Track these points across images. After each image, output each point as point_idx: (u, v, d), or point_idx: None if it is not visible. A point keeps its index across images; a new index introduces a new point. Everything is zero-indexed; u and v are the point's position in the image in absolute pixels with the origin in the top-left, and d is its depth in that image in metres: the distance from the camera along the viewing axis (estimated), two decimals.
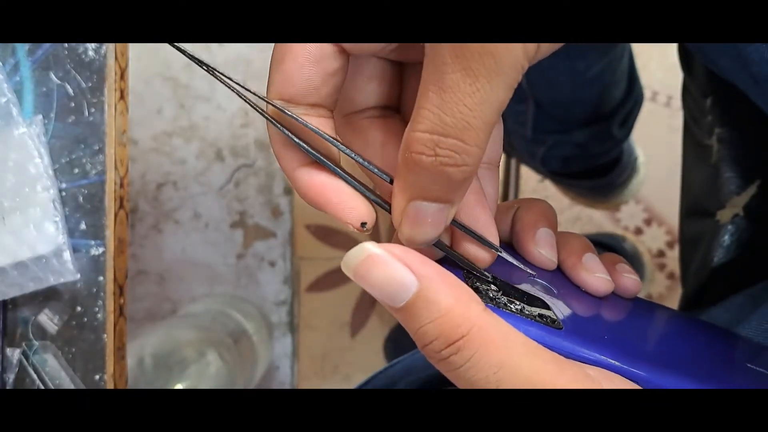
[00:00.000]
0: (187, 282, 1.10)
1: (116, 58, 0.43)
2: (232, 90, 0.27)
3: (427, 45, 0.23)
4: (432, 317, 0.22)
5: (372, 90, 0.28)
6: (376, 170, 0.26)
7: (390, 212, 0.26)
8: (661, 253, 1.06)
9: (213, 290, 1.10)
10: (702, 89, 0.50)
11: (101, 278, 0.44)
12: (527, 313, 0.26)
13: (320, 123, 0.26)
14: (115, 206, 0.44)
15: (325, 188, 0.26)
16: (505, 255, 0.28)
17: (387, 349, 1.07)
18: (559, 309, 0.27)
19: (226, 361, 0.87)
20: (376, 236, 1.05)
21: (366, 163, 0.26)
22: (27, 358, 0.44)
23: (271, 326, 1.09)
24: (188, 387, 0.81)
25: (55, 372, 0.44)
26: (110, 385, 0.44)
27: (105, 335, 0.44)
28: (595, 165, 0.87)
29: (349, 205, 0.26)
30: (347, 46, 0.25)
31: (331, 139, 0.26)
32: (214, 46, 1.09)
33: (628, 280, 0.31)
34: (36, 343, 0.44)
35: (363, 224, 0.26)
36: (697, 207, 0.51)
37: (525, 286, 0.28)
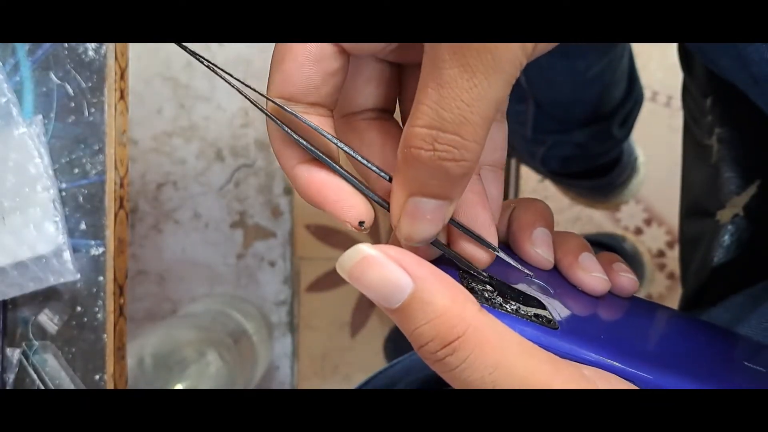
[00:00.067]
0: (187, 282, 1.10)
1: (116, 58, 0.43)
2: (234, 87, 0.27)
3: (427, 44, 0.23)
4: (427, 318, 0.22)
5: (370, 92, 0.28)
6: (375, 168, 0.26)
7: (389, 210, 0.26)
8: (661, 253, 1.06)
9: (213, 290, 1.10)
10: (702, 89, 0.50)
11: (101, 278, 0.44)
12: (523, 313, 0.26)
13: (320, 122, 0.26)
14: (115, 206, 0.44)
15: (324, 186, 0.26)
16: (503, 255, 0.28)
17: (387, 349, 1.07)
18: (556, 309, 0.27)
19: (226, 361, 0.87)
20: (376, 237, 1.05)
21: (365, 161, 0.26)
22: (27, 358, 0.44)
23: (271, 326, 1.09)
24: (188, 387, 0.81)
25: (55, 372, 0.44)
26: (110, 385, 0.44)
27: (105, 335, 0.44)
28: (595, 165, 0.87)
29: (348, 204, 0.26)
30: (347, 46, 0.25)
31: (331, 137, 0.26)
32: (214, 46, 1.09)
33: (625, 279, 0.31)
34: (36, 343, 0.44)
35: (361, 223, 0.26)
36: (697, 207, 0.51)
37: (521, 286, 0.28)
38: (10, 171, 0.43)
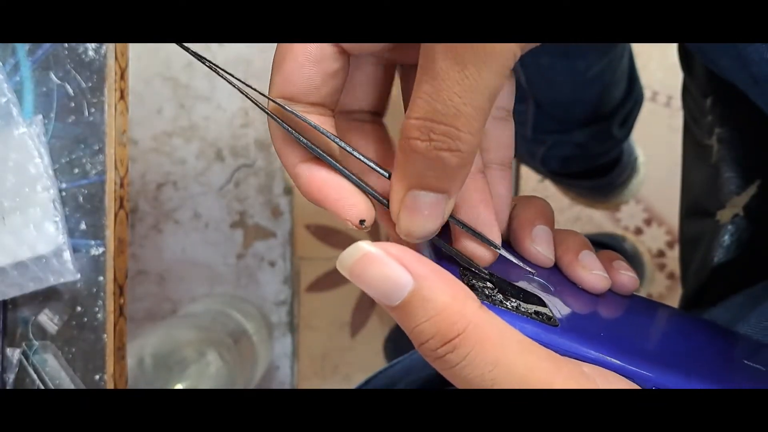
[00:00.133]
0: (187, 282, 1.10)
1: (116, 58, 0.43)
2: (235, 87, 0.27)
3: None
4: (428, 315, 0.22)
5: (363, 93, 0.29)
6: (375, 166, 0.27)
7: (389, 207, 0.26)
8: (661, 253, 1.06)
9: (213, 290, 1.10)
10: (702, 89, 0.50)
11: (101, 278, 0.44)
12: (523, 310, 0.26)
13: (320, 121, 0.27)
14: (115, 206, 0.44)
15: (325, 185, 0.26)
16: (505, 253, 0.28)
17: (387, 349, 1.07)
18: (556, 306, 0.27)
19: (226, 361, 0.87)
20: (375, 236, 1.05)
21: (365, 159, 0.27)
22: (27, 358, 0.44)
23: (271, 326, 1.09)
24: (188, 387, 0.81)
25: (55, 372, 0.44)
26: (110, 385, 0.44)
27: (105, 335, 0.44)
28: (595, 165, 0.87)
29: (349, 202, 0.26)
30: (346, 46, 0.26)
31: (332, 136, 0.26)
32: (215, 46, 1.09)
33: (625, 277, 0.31)
34: (36, 343, 0.44)
35: (362, 221, 0.26)
36: (697, 207, 0.51)
37: (521, 284, 0.28)
38: (10, 171, 0.43)
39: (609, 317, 0.29)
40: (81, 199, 0.43)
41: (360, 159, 0.27)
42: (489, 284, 0.27)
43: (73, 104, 0.43)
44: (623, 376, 0.25)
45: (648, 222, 1.06)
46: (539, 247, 0.30)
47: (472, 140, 0.23)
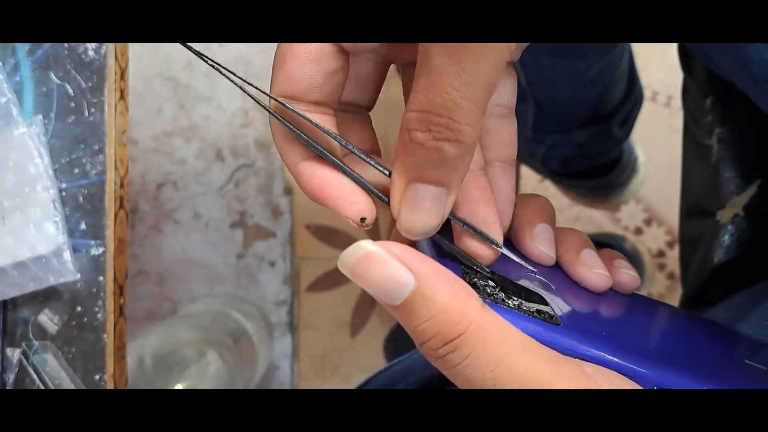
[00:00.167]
0: (187, 282, 1.10)
1: (116, 58, 0.43)
2: (238, 86, 0.27)
3: None
4: (429, 315, 0.22)
5: (360, 88, 0.29)
6: (375, 164, 0.27)
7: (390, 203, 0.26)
8: (661, 253, 1.06)
9: (213, 290, 1.10)
10: (702, 89, 0.50)
11: (101, 278, 0.44)
12: (525, 308, 0.26)
13: (322, 120, 0.27)
14: (115, 206, 0.44)
15: (326, 183, 0.27)
16: (507, 252, 0.28)
17: (387, 349, 1.07)
18: (557, 305, 0.27)
19: (226, 361, 0.87)
20: (376, 235, 1.05)
21: (366, 157, 0.27)
22: (27, 358, 0.44)
23: (271, 326, 1.09)
24: (188, 387, 0.81)
25: (55, 372, 0.44)
26: (110, 385, 0.44)
27: (105, 335, 0.44)
28: (595, 165, 0.87)
29: (350, 200, 0.26)
30: (345, 45, 0.26)
31: (333, 134, 0.26)
32: (214, 46, 1.09)
33: (626, 275, 0.31)
34: (36, 343, 0.44)
35: (363, 219, 0.26)
36: (697, 207, 0.51)
37: (523, 282, 0.28)
38: (10, 171, 0.43)
39: (610, 316, 0.29)
40: (81, 199, 0.43)
41: (361, 157, 0.27)
42: (491, 283, 0.27)
43: (73, 104, 0.43)
44: (625, 375, 0.25)
45: (648, 222, 1.06)
46: (540, 245, 0.30)
47: (471, 131, 0.23)
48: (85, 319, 0.44)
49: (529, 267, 0.29)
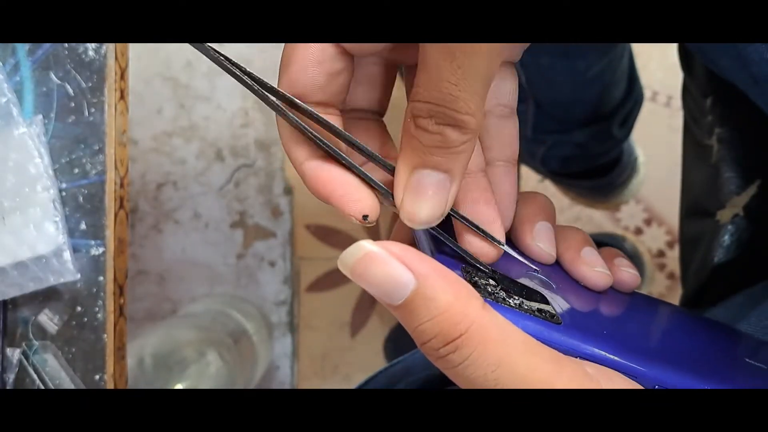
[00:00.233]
0: (187, 282, 1.10)
1: (116, 58, 0.43)
2: (247, 84, 0.27)
3: None
4: (430, 315, 0.22)
5: (368, 92, 0.29)
6: (381, 159, 0.27)
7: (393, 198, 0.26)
8: (661, 253, 1.06)
9: (213, 290, 1.10)
10: (702, 89, 0.50)
11: (101, 278, 0.44)
12: (526, 307, 0.26)
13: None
14: (115, 206, 0.44)
15: (330, 181, 0.27)
16: (509, 250, 0.28)
17: (387, 349, 1.07)
18: (558, 303, 0.27)
19: (226, 361, 0.87)
20: (376, 236, 1.05)
21: (370, 151, 0.27)
22: (27, 358, 0.44)
23: (271, 326, 1.09)
24: (188, 387, 0.81)
25: (55, 372, 0.44)
26: (110, 385, 0.44)
27: (105, 335, 0.44)
28: (595, 165, 0.87)
29: (353, 198, 0.26)
30: (347, 46, 0.26)
31: (337, 127, 0.27)
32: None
33: (627, 274, 0.31)
34: (36, 343, 0.44)
35: (365, 217, 0.26)
36: (697, 207, 0.51)
37: (523, 281, 0.28)
38: (10, 171, 0.43)
39: (611, 315, 0.29)
40: (81, 199, 0.43)
41: (365, 151, 0.27)
42: (492, 281, 0.27)
43: (73, 104, 0.43)
44: (626, 373, 0.25)
45: (648, 222, 1.06)
46: (541, 243, 0.30)
47: (472, 120, 0.24)
48: (85, 319, 0.44)
49: (532, 265, 0.29)
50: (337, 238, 1.09)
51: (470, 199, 0.28)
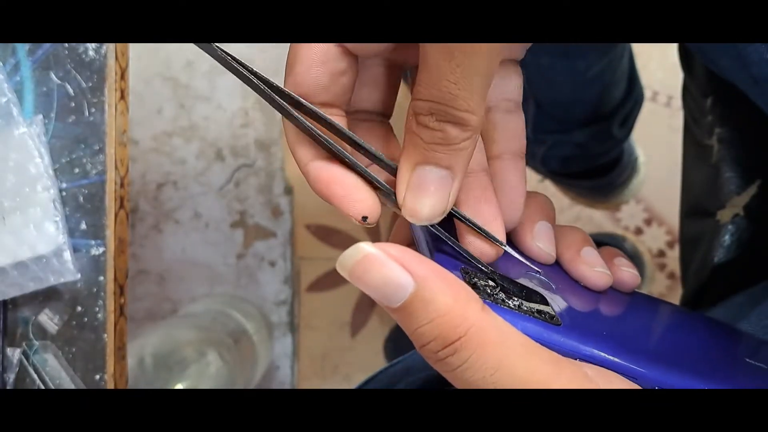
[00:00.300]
0: (187, 282, 1.10)
1: (116, 58, 0.43)
2: (253, 84, 0.27)
3: None
4: (429, 318, 0.22)
5: (372, 93, 0.29)
6: (384, 159, 0.27)
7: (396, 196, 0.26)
8: (661, 253, 1.06)
9: (213, 290, 1.10)
10: (702, 89, 0.50)
11: (101, 278, 0.44)
12: (525, 308, 0.26)
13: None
14: (116, 206, 0.44)
15: (333, 181, 0.27)
16: (510, 251, 0.28)
17: (387, 349, 1.07)
18: (558, 304, 0.27)
19: (226, 361, 0.87)
20: (376, 238, 1.05)
21: (374, 151, 0.27)
22: (27, 357, 0.44)
23: (271, 326, 1.09)
24: (188, 387, 0.81)
25: (55, 372, 0.44)
26: (110, 385, 0.44)
27: (105, 335, 0.44)
28: (595, 165, 0.87)
29: (354, 198, 0.27)
30: (350, 46, 0.26)
31: (341, 126, 0.27)
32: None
33: (627, 273, 0.31)
34: (36, 342, 0.44)
35: (365, 218, 0.26)
36: (697, 207, 0.51)
37: (522, 281, 0.28)
38: (11, 171, 0.43)
39: (611, 315, 0.29)
40: (81, 199, 0.43)
41: (370, 151, 0.27)
42: (491, 282, 0.27)
43: (73, 104, 0.43)
44: (625, 374, 0.25)
45: (648, 222, 1.06)
46: (540, 243, 0.30)
47: (472, 117, 0.24)
48: (86, 319, 0.44)
49: (533, 266, 0.29)
50: (338, 238, 1.09)
51: (472, 197, 0.28)
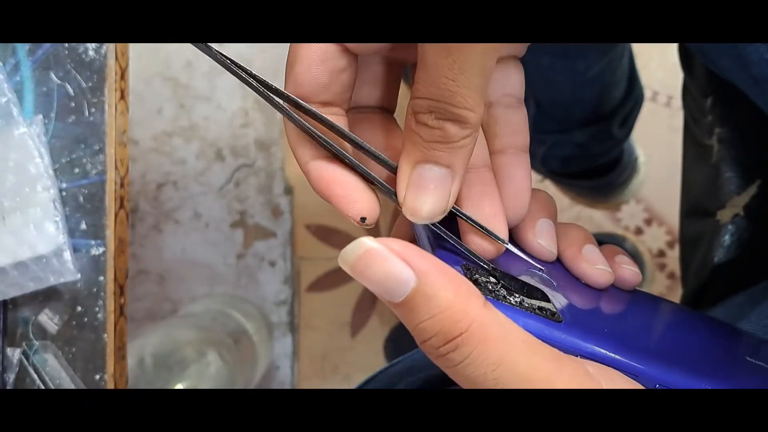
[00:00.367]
0: (187, 282, 1.10)
1: (116, 58, 0.43)
2: (253, 86, 0.27)
3: None
4: (431, 313, 0.22)
5: (373, 90, 0.29)
6: (385, 159, 0.27)
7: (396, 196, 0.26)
8: (661, 253, 1.06)
9: (213, 290, 1.10)
10: (702, 89, 0.50)
11: (101, 278, 0.44)
12: (527, 305, 0.26)
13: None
14: (116, 206, 0.44)
15: (333, 182, 0.27)
16: (512, 248, 0.28)
17: (387, 349, 1.07)
18: (559, 301, 0.27)
19: (226, 361, 0.87)
20: (376, 235, 1.05)
21: (374, 151, 0.27)
22: (27, 357, 0.44)
23: (271, 326, 1.09)
24: (188, 387, 0.81)
25: (55, 372, 0.44)
26: (110, 385, 0.44)
27: (105, 335, 0.44)
28: (595, 165, 0.87)
29: (353, 199, 0.27)
30: (349, 45, 0.26)
31: (341, 127, 0.27)
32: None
33: (628, 271, 0.31)
34: (36, 342, 0.44)
35: (363, 219, 0.26)
36: (697, 207, 0.51)
37: (524, 278, 0.28)
38: (11, 171, 0.43)
39: (612, 313, 0.29)
40: (81, 199, 0.43)
41: (370, 151, 0.27)
42: (492, 279, 0.27)
43: (73, 104, 0.43)
44: (626, 372, 0.25)
45: (648, 222, 1.06)
46: (542, 240, 0.30)
47: (471, 114, 0.24)
48: (86, 319, 0.44)
49: (536, 264, 0.29)
50: (338, 237, 1.09)
51: (473, 193, 0.28)
